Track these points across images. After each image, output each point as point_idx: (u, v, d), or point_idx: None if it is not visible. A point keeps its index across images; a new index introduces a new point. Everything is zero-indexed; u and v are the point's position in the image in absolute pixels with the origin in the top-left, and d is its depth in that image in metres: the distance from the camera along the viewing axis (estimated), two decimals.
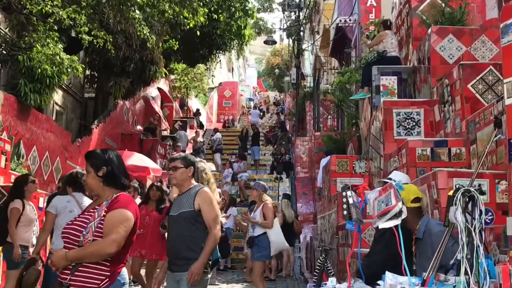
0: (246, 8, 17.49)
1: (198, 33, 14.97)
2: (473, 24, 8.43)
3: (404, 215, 3.38)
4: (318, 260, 7.82)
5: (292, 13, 29.13)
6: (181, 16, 12.77)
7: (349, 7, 17.41)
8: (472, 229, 3.07)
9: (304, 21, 27.85)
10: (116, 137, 18.27)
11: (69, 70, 10.97)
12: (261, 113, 38.57)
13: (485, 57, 7.60)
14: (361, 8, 16.13)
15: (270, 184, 20.18)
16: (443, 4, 8.48)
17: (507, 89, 3.27)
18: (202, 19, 13.13)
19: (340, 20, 18.16)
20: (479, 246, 3.05)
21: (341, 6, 18.32)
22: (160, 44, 14.49)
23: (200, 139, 24.38)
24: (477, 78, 6.55)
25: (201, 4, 14.07)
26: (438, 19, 8.22)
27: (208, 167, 5.77)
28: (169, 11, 11.94)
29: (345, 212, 3.32)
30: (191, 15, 13.01)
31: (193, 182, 4.69)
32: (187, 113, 29.11)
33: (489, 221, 4.56)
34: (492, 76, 6.53)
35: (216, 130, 24.78)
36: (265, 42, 29.66)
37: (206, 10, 14.27)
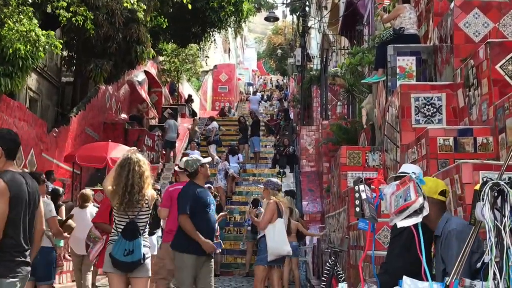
0: None
1: (190, 6, 14.90)
2: None
3: (426, 212, 3.36)
4: (327, 264, 7.82)
5: None
6: None
7: None
8: (502, 227, 3.05)
9: None
10: (98, 127, 18.26)
11: (46, 47, 10.90)
12: (262, 99, 38.52)
13: None
14: None
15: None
16: None
17: None
18: None
19: None
20: (509, 247, 3.03)
21: None
22: (148, 19, 14.39)
23: (196, 128, 24.41)
24: (507, 58, 6.52)
25: None
26: None
27: (144, 159, 5.93)
28: None
29: (357, 209, 3.30)
30: None
31: None
32: (178, 99, 29.09)
33: None
34: None
35: (212, 119, 24.75)
36: (266, 19, 29.52)
37: None
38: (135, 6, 11.86)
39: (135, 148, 6.38)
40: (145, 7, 13.06)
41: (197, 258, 6.58)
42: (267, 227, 8.02)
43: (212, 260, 6.90)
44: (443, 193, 3.83)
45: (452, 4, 7.89)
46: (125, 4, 11.88)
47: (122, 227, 5.60)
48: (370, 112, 12.32)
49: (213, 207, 6.85)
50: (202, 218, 6.62)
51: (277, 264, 8.29)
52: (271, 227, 8.06)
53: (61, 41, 11.77)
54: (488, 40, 6.94)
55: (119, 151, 14.31)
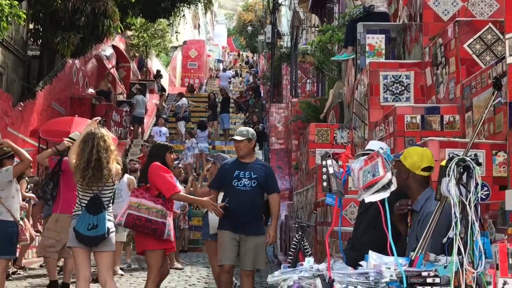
0: None
1: None
2: None
3: (393, 187, 3.37)
4: (294, 239, 7.87)
5: None
6: None
7: None
8: (467, 203, 3.08)
9: None
10: (65, 101, 17.99)
11: (9, 18, 10.64)
12: (233, 75, 38.34)
13: (483, 13, 7.59)
14: None
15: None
16: None
17: (509, 45, 3.27)
18: None
19: None
20: (474, 223, 3.07)
21: None
22: None
23: (164, 104, 24.21)
24: (475, 37, 6.57)
25: None
26: None
27: (108, 133, 5.90)
28: None
29: (324, 184, 3.30)
30: None
31: None
32: (146, 75, 28.80)
33: (484, 197, 4.61)
34: (491, 35, 6.55)
35: (181, 95, 24.58)
36: None
37: None
38: None
39: (99, 118, 6.32)
40: None
41: (230, 233, 6.28)
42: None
43: (259, 238, 6.36)
44: (428, 169, 3.82)
45: None
46: None
47: (86, 201, 5.56)
48: (336, 97, 12.37)
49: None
50: None
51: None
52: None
53: (24, 11, 11.50)
54: (457, 19, 6.98)
55: (83, 126, 14.16)
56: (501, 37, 6.26)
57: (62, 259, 8.48)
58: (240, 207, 6.19)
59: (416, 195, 3.82)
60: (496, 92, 3.58)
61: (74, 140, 8.13)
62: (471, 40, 6.57)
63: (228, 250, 6.22)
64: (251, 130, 6.54)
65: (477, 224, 3.06)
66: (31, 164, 7.86)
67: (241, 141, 6.34)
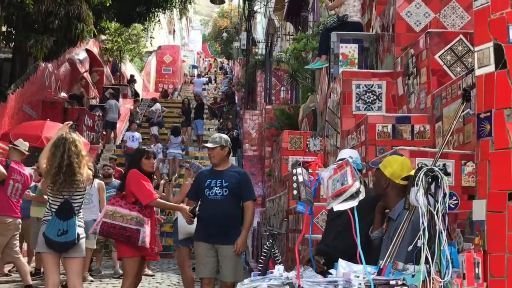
0: None
1: None
2: None
3: (362, 196, 3.40)
4: (265, 246, 7.87)
5: None
6: None
7: None
8: (435, 213, 3.12)
9: None
10: (37, 105, 17.79)
11: None
12: (208, 81, 38.26)
13: (455, 25, 7.71)
14: None
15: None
16: None
17: (478, 58, 3.31)
18: None
19: None
20: (442, 232, 3.10)
21: None
22: None
23: (138, 110, 24.04)
24: (446, 48, 6.66)
25: None
26: None
27: (79, 138, 5.90)
28: None
29: (295, 192, 3.31)
30: None
31: None
32: (120, 79, 28.61)
33: (453, 206, 4.67)
34: (462, 46, 6.65)
35: (154, 100, 24.45)
36: (212, 1, 29.34)
37: None
38: None
39: (70, 122, 6.27)
40: None
41: (204, 244, 6.11)
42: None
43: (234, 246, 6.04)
44: (406, 177, 3.85)
45: None
46: None
47: (56, 206, 5.50)
48: (306, 111, 12.44)
49: None
50: None
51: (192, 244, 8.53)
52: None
53: None
54: (428, 30, 7.07)
55: (55, 131, 14.00)
56: (472, 48, 6.35)
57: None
58: (212, 217, 6.05)
59: (393, 204, 3.85)
60: (465, 103, 3.64)
61: (18, 146, 8.15)
62: (442, 51, 6.66)
63: (204, 262, 6.09)
64: (224, 136, 6.36)
65: (444, 234, 3.10)
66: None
67: (213, 149, 6.17)
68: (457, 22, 7.74)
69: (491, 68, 3.21)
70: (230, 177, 6.16)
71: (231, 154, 6.43)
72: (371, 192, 4.04)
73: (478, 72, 3.30)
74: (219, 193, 6.08)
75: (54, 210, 5.51)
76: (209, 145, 6.23)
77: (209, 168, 6.46)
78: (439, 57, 6.67)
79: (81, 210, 5.73)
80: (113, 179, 10.81)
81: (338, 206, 3.30)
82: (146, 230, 6.04)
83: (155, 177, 10.20)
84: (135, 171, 6.19)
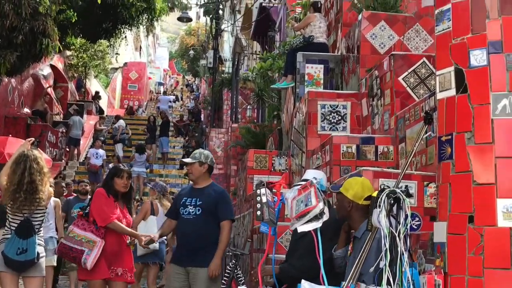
0: None
1: (99, 1, 14.54)
2: (408, 11, 8.67)
3: (326, 217, 3.42)
4: (227, 267, 7.83)
5: None
6: None
7: None
8: (396, 234, 3.15)
9: None
10: None
11: None
12: (174, 99, 38.15)
13: (418, 48, 7.85)
14: None
15: (179, 181, 20.05)
16: None
17: (439, 82, 3.38)
18: None
19: (264, 0, 18.28)
20: (403, 253, 3.13)
21: None
22: (54, 9, 13.89)
23: (102, 126, 23.81)
24: (409, 70, 6.77)
25: None
26: (370, 4, 8.41)
27: (41, 155, 5.81)
28: None
29: (258, 213, 3.32)
30: None
31: None
32: (84, 96, 28.34)
33: (415, 227, 4.71)
34: (425, 69, 6.77)
35: (118, 117, 24.28)
36: (179, 19, 29.32)
37: None
38: None
39: (32, 139, 6.17)
40: (48, 3, 12.63)
41: (175, 267, 5.86)
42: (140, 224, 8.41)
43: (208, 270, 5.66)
44: (368, 197, 3.88)
45: (360, 16, 8.12)
46: None
47: (16, 225, 5.40)
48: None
49: None
50: None
51: (151, 260, 8.51)
52: (143, 223, 8.46)
53: None
54: (393, 52, 7.18)
55: (18, 147, 13.75)
56: (435, 71, 6.45)
57: None
58: (185, 237, 5.79)
59: (358, 225, 3.88)
60: (427, 126, 3.69)
61: None
62: (406, 73, 6.76)
63: (172, 286, 5.82)
64: (205, 153, 6.03)
65: (406, 255, 3.13)
66: None
67: (191, 164, 5.90)
68: (420, 45, 7.89)
69: (452, 92, 3.28)
70: (206, 196, 5.82)
71: (211, 173, 6.12)
72: (335, 212, 4.06)
73: (439, 95, 3.37)
74: (193, 212, 5.77)
75: (14, 228, 5.40)
76: (186, 160, 6.06)
77: (190, 186, 6.21)
78: (402, 79, 6.77)
79: (41, 229, 5.63)
80: (89, 196, 10.58)
81: (302, 227, 3.32)
82: (94, 251, 5.72)
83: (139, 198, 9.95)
84: (100, 191, 6.06)
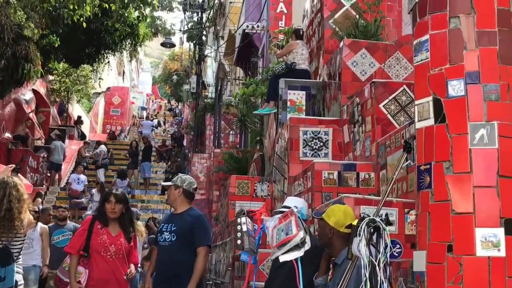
0: None
1: (85, 25, 14.55)
2: (388, 39, 8.81)
3: (307, 246, 3.42)
4: None
5: (195, 14, 29.21)
6: (65, 9, 12.41)
7: (257, 12, 17.71)
8: (377, 263, 3.15)
9: (207, 24, 27.98)
10: None
11: None
12: (157, 125, 38.10)
13: (399, 75, 7.94)
14: (271, 14, 16.45)
15: (161, 207, 19.93)
16: (357, 16, 8.79)
17: (418, 111, 3.41)
18: (88, 8, 12.80)
19: (247, 26, 18.42)
20: (383, 282, 3.13)
21: (248, 11, 18.60)
22: (36, 33, 13.87)
23: (87, 153, 23.62)
24: (390, 98, 6.83)
25: None
26: (351, 32, 8.51)
27: (21, 182, 5.72)
28: (51, 1, 11.56)
29: (238, 242, 3.32)
30: (76, 7, 12.66)
31: None
32: (66, 120, 28.23)
33: (396, 254, 4.72)
34: (405, 96, 6.83)
35: (99, 143, 24.18)
36: (162, 45, 29.47)
37: (97, 2, 13.93)
38: (23, 23, 11.43)
39: (13, 165, 6.12)
40: (33, 26, 12.63)
41: None
42: None
43: None
44: (350, 225, 3.89)
45: (342, 43, 8.20)
46: (13, 19, 11.45)
47: None
48: None
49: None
50: None
51: None
52: None
53: None
54: (374, 79, 7.25)
55: None
56: (415, 99, 6.53)
57: None
58: (161, 265, 5.65)
59: (339, 252, 3.88)
60: (407, 154, 3.73)
61: None
62: (387, 100, 6.82)
63: None
64: (183, 177, 5.88)
65: (385, 284, 3.13)
66: None
67: (168, 188, 5.81)
68: (401, 73, 7.97)
69: (430, 121, 3.32)
70: (182, 221, 5.62)
71: (189, 197, 5.88)
72: (315, 240, 4.06)
73: (418, 125, 3.40)
74: (168, 238, 5.58)
75: None
76: (164, 183, 6.05)
77: (170, 212, 6.09)
78: (383, 106, 6.83)
79: (20, 257, 5.56)
80: (68, 222, 10.41)
81: (283, 257, 3.32)
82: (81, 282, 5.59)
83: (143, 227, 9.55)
84: (86, 218, 6.02)
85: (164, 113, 48.30)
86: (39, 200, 14.64)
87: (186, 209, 5.76)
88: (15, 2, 11.73)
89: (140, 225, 8.95)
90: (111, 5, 15.39)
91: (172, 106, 49.33)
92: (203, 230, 5.64)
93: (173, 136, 31.30)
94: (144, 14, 17.90)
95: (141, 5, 17.10)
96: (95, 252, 5.67)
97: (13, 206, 5.35)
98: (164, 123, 42.27)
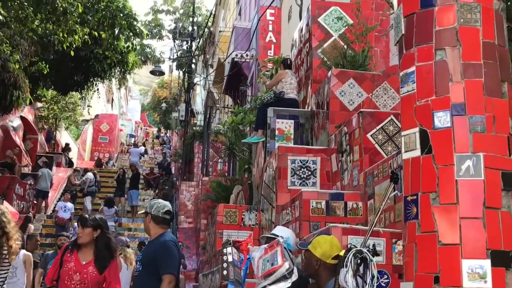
0: (133, 25, 16.99)
1: (73, 53, 14.60)
2: (376, 69, 8.90)
3: (295, 277, 3.40)
4: None
5: (184, 43, 29.39)
6: (55, 36, 12.45)
7: (246, 41, 17.85)
8: None
9: (196, 53, 28.13)
10: None
11: None
12: (144, 153, 37.99)
13: (386, 105, 8.00)
14: (260, 43, 16.59)
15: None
16: (345, 46, 8.88)
17: (404, 142, 3.43)
18: (77, 37, 12.86)
19: (236, 55, 18.54)
20: None
21: (237, 40, 18.73)
22: (25, 62, 13.91)
23: (76, 181, 23.46)
24: (377, 127, 6.87)
25: (79, 22, 13.75)
26: (339, 62, 8.59)
27: (7, 209, 5.67)
28: (39, 30, 11.60)
29: (224, 272, 3.29)
30: (66, 35, 12.71)
31: None
32: (54, 148, 28.12)
33: (384, 285, 4.71)
34: (393, 126, 6.88)
35: (86, 170, 24.06)
36: (152, 72, 29.60)
37: (87, 30, 13.99)
38: (8, 54, 11.48)
39: None
40: (17, 58, 12.68)
41: None
42: None
43: None
44: (336, 256, 3.87)
45: (330, 73, 8.27)
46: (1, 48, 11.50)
47: None
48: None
49: None
50: None
51: None
52: None
53: None
54: (361, 109, 7.30)
55: None
56: None
57: None
58: None
59: (325, 283, 3.86)
60: (394, 185, 3.73)
61: None
62: (374, 130, 6.87)
63: None
64: (152, 202, 5.60)
65: None
66: None
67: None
68: (388, 103, 8.03)
69: (417, 152, 3.34)
70: (147, 249, 5.47)
71: (161, 222, 5.61)
72: (300, 271, 4.04)
73: (405, 156, 3.42)
74: (138, 268, 5.38)
75: None
76: (139, 212, 5.90)
77: None
78: (371, 136, 6.86)
79: (4, 286, 5.48)
80: None
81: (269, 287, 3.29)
82: None
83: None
84: (64, 246, 5.91)
85: (153, 140, 48.26)
86: (31, 227, 14.46)
87: (157, 235, 5.42)
88: (1, 34, 11.76)
89: (131, 253, 8.86)
90: (101, 32, 15.47)
91: (159, 133, 49.29)
92: (167, 256, 5.22)
93: (160, 164, 31.24)
94: (134, 44, 17.98)
95: (131, 36, 17.18)
96: (61, 280, 5.33)
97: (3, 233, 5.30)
98: (152, 148, 42.20)
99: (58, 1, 11.96)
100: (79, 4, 12.98)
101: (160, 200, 5.63)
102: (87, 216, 5.61)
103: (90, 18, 15.01)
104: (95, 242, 5.45)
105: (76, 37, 12.81)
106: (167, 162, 30.77)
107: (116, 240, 8.20)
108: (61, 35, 12.38)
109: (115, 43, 17.18)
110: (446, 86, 3.34)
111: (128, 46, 17.79)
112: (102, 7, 15.37)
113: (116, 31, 16.42)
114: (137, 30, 17.14)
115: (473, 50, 3.38)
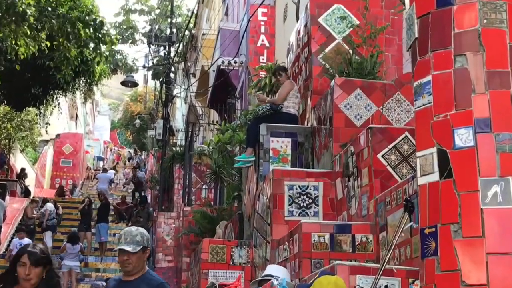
0: (100, 32, 16.96)
1: (18, 67, 14.57)
2: (387, 78, 8.90)
3: None
4: None
5: (161, 48, 29.43)
6: (8, 43, 12.51)
7: (234, 45, 17.89)
8: None
9: (176, 59, 28.20)
10: None
11: None
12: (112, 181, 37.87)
13: (400, 120, 8.00)
14: (250, 48, 16.65)
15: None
16: (351, 51, 8.90)
17: (420, 165, 3.43)
18: (31, 48, 12.90)
19: (223, 62, 18.58)
20: None
21: (224, 44, 18.79)
22: None
23: (34, 214, 23.34)
24: (390, 146, 6.87)
25: (37, 27, 13.78)
26: (344, 69, 8.60)
27: None
28: None
29: None
30: (21, 42, 12.74)
31: None
32: (7, 174, 28.03)
33: None
34: (408, 144, 6.88)
35: (45, 201, 23.95)
36: (123, 83, 29.54)
37: (44, 36, 14.00)
38: None
39: None
40: None
41: None
42: None
43: None
44: None
45: (333, 83, 8.25)
46: None
47: None
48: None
49: None
50: None
51: None
52: None
53: None
54: (370, 125, 7.29)
55: None
56: None
57: None
58: None
59: None
60: (408, 215, 3.74)
61: None
62: (386, 150, 6.86)
63: None
64: (141, 232, 5.29)
65: None
66: None
67: (133, 254, 5.10)
68: (402, 117, 8.04)
69: (435, 176, 3.33)
70: None
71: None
72: None
73: (420, 180, 3.42)
74: None
75: None
76: (126, 247, 5.38)
77: (117, 278, 5.74)
78: (382, 156, 6.86)
79: None
80: None
81: None
82: None
83: None
84: None
85: (125, 163, 48.14)
86: None
87: (144, 272, 5.33)
88: None
89: None
90: (61, 40, 15.40)
91: (131, 154, 49.12)
92: None
93: (137, 191, 31.11)
94: (102, 53, 17.90)
95: (99, 44, 17.07)
96: None
97: None
98: (124, 175, 42.05)
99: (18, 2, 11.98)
100: (34, 8, 13.00)
101: (140, 228, 5.39)
102: (37, 249, 4.84)
103: (53, 22, 15.01)
104: (41, 284, 4.76)
105: (33, 43, 12.83)
106: (142, 189, 30.64)
107: (93, 285, 8.14)
108: (13, 42, 12.40)
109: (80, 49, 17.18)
110: (468, 98, 3.34)
111: (95, 57, 17.70)
112: (64, 11, 15.34)
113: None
114: (108, 38, 17.07)
115: (498, 55, 3.38)
